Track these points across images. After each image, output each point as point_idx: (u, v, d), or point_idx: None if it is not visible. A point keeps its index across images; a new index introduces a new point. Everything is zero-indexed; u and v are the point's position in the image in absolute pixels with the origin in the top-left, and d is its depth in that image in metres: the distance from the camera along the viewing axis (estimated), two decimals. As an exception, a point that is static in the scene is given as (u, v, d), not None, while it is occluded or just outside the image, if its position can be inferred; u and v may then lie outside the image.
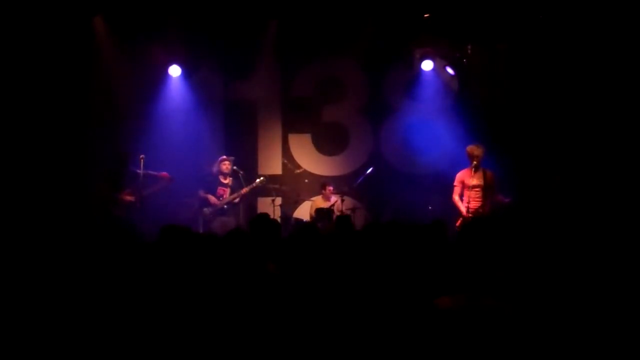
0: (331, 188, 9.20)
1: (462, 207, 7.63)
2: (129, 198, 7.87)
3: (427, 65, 9.38)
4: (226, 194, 8.56)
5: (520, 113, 8.72)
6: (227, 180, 8.60)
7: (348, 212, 9.04)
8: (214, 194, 8.51)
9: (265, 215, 5.24)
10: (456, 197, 7.72)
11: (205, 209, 8.47)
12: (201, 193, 8.52)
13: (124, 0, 8.46)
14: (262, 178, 8.76)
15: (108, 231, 4.03)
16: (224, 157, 8.64)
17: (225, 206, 8.54)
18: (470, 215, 7.53)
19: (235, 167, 8.61)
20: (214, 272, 3.12)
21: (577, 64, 8.27)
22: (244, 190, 8.52)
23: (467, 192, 7.63)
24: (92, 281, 3.25)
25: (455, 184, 7.75)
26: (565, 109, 8.42)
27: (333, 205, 8.97)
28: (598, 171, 7.97)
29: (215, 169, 8.59)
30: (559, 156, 8.37)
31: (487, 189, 7.61)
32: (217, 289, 2.94)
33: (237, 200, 8.59)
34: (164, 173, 8.11)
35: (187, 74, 9.32)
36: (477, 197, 7.60)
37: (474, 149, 7.63)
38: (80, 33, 8.51)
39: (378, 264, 3.38)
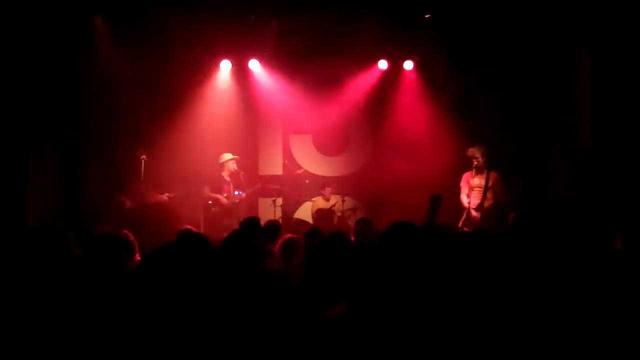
0: (329, 189, 9.20)
1: (467, 205, 7.84)
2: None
3: (427, 66, 9.39)
4: (231, 192, 8.59)
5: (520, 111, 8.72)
6: (230, 179, 8.65)
7: (349, 212, 9.06)
8: (219, 193, 8.53)
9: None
10: (463, 197, 7.93)
11: (214, 209, 8.46)
12: (208, 192, 8.53)
13: (123, 0, 8.42)
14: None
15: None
16: (231, 155, 8.67)
17: (237, 201, 8.60)
18: (472, 210, 7.72)
19: (236, 168, 8.66)
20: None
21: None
22: (256, 187, 8.67)
23: (470, 193, 7.86)
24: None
25: (461, 184, 7.98)
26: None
27: (334, 205, 8.97)
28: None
29: (222, 167, 8.63)
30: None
31: (489, 190, 7.76)
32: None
33: (243, 196, 8.65)
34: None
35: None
36: (478, 197, 7.78)
37: (473, 151, 7.87)
38: (79, 33, 8.48)
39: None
